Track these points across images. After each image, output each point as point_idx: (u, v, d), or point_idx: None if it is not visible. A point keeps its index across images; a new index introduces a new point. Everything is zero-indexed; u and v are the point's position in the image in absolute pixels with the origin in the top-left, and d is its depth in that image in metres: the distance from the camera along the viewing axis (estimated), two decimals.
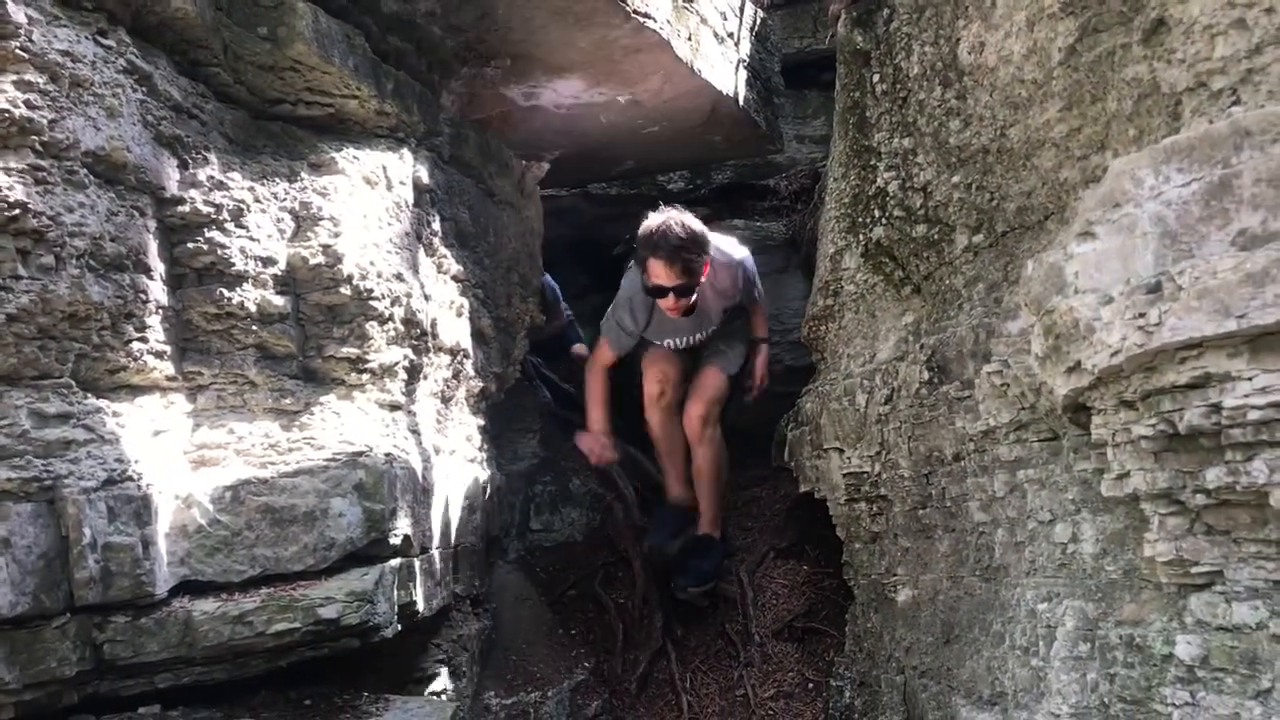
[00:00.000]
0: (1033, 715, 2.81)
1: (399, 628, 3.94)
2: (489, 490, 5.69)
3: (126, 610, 3.27)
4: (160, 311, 3.54)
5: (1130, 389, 2.35)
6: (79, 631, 3.18)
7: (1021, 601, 3.08)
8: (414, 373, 4.50)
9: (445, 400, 5.05)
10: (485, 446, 5.74)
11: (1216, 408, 2.13)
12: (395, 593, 3.90)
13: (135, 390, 3.50)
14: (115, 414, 3.34)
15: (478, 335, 5.37)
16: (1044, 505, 3.05)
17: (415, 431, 4.43)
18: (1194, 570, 2.29)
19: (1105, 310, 2.35)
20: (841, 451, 4.84)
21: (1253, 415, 2.06)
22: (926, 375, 3.96)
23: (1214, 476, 2.18)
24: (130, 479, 3.30)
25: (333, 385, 4.04)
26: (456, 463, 5.12)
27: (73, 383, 3.23)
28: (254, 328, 3.79)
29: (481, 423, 5.68)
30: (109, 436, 3.28)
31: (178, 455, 3.58)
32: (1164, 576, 2.39)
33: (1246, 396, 2.07)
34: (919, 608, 4.00)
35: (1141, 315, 2.23)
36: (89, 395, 3.29)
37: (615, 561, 6.55)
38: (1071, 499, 2.91)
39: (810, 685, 5.35)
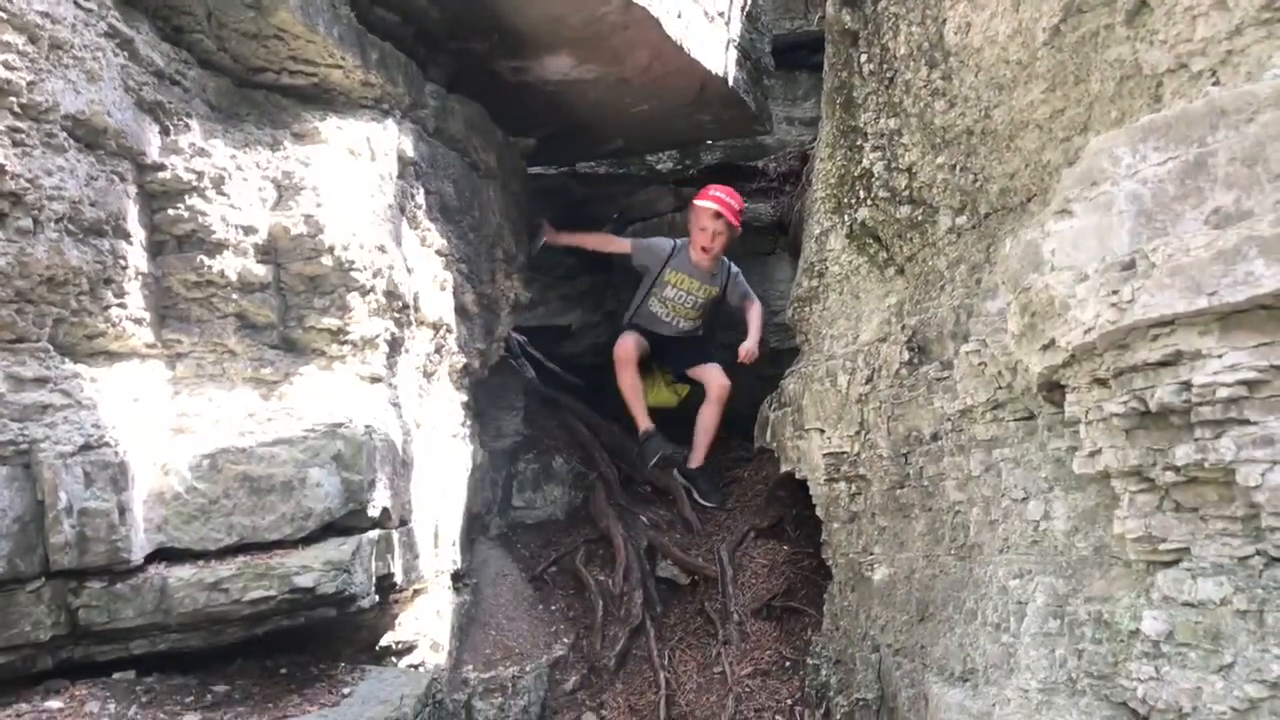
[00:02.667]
0: (1002, 690, 2.83)
1: (376, 599, 3.94)
2: (471, 466, 5.69)
3: (102, 576, 3.27)
4: (140, 278, 3.53)
5: (1103, 366, 2.36)
6: (54, 596, 3.18)
7: (994, 579, 3.10)
8: (395, 346, 4.50)
9: (427, 375, 5.05)
10: (468, 422, 5.74)
11: (1187, 385, 2.14)
12: (373, 564, 3.91)
13: (113, 356, 3.49)
14: (93, 379, 3.34)
15: (461, 310, 5.37)
16: (1018, 483, 3.06)
17: (396, 405, 4.42)
18: (1162, 547, 2.31)
19: (1080, 288, 2.36)
20: (822, 432, 4.85)
21: (1222, 393, 2.08)
22: (907, 356, 3.97)
23: (1183, 454, 2.19)
24: (107, 445, 3.29)
25: (313, 356, 4.04)
26: (438, 437, 5.12)
27: (50, 347, 3.22)
28: (234, 296, 3.78)
29: (464, 399, 5.68)
30: (86, 402, 3.28)
31: (156, 422, 3.57)
32: (1133, 553, 2.41)
33: (1216, 374, 2.08)
34: (895, 586, 4.03)
35: (1115, 292, 2.24)
36: (67, 360, 3.28)
37: (597, 539, 6.57)
38: (1045, 477, 2.93)
39: (787, 663, 5.38)
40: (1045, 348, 2.55)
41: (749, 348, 6.54)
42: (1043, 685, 2.65)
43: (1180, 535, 2.27)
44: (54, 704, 3.15)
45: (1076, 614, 2.61)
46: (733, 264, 6.92)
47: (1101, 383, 2.41)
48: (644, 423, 6.84)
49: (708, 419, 6.73)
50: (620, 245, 6.97)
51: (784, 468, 5.55)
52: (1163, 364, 2.20)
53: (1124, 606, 2.43)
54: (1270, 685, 2.03)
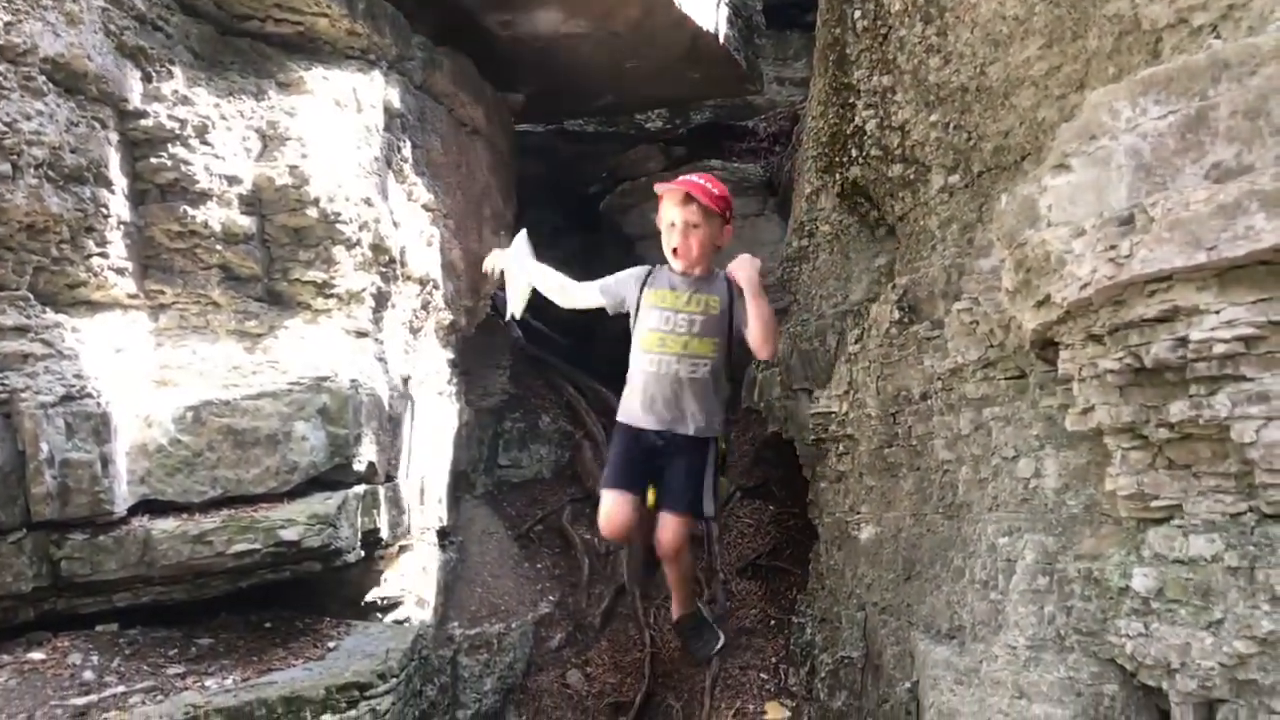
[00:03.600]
0: (990, 648, 2.83)
1: (362, 553, 3.93)
2: (457, 424, 5.67)
3: (85, 527, 3.24)
4: (122, 227, 3.47)
5: (1098, 323, 2.34)
6: (36, 547, 3.15)
7: (982, 536, 3.09)
8: (382, 300, 4.45)
9: (414, 331, 5.00)
10: (454, 380, 5.70)
11: (1183, 341, 2.12)
12: (359, 518, 3.89)
13: (95, 306, 3.44)
14: (74, 329, 3.29)
15: (448, 267, 5.32)
16: (1008, 442, 3.05)
17: (382, 360, 4.39)
18: (1154, 504, 2.29)
19: (1077, 243, 2.33)
20: (810, 392, 4.84)
21: (1218, 349, 2.06)
22: (897, 315, 3.95)
23: (1178, 410, 2.17)
24: (89, 395, 3.25)
25: (298, 309, 3.99)
26: (424, 394, 5.09)
27: (30, 296, 3.17)
28: (218, 247, 3.73)
29: (451, 356, 5.64)
30: (68, 352, 3.23)
31: (138, 374, 3.53)
32: (1124, 511, 2.40)
33: (1213, 330, 2.06)
34: (881, 545, 4.02)
35: (1113, 247, 2.21)
36: (48, 309, 3.24)
37: (582, 498, 6.57)
38: (1036, 435, 2.92)
39: (772, 622, 5.39)
40: (1040, 304, 2.53)
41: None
42: (1031, 642, 2.65)
43: (1172, 492, 2.26)
44: (36, 655, 3.13)
45: (1066, 571, 2.61)
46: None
47: (1096, 339, 2.39)
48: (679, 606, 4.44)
49: (670, 575, 4.31)
50: (586, 295, 4.17)
51: (771, 428, 5.54)
52: (1159, 320, 2.18)
53: (1114, 564, 2.43)
54: (1260, 641, 2.03)
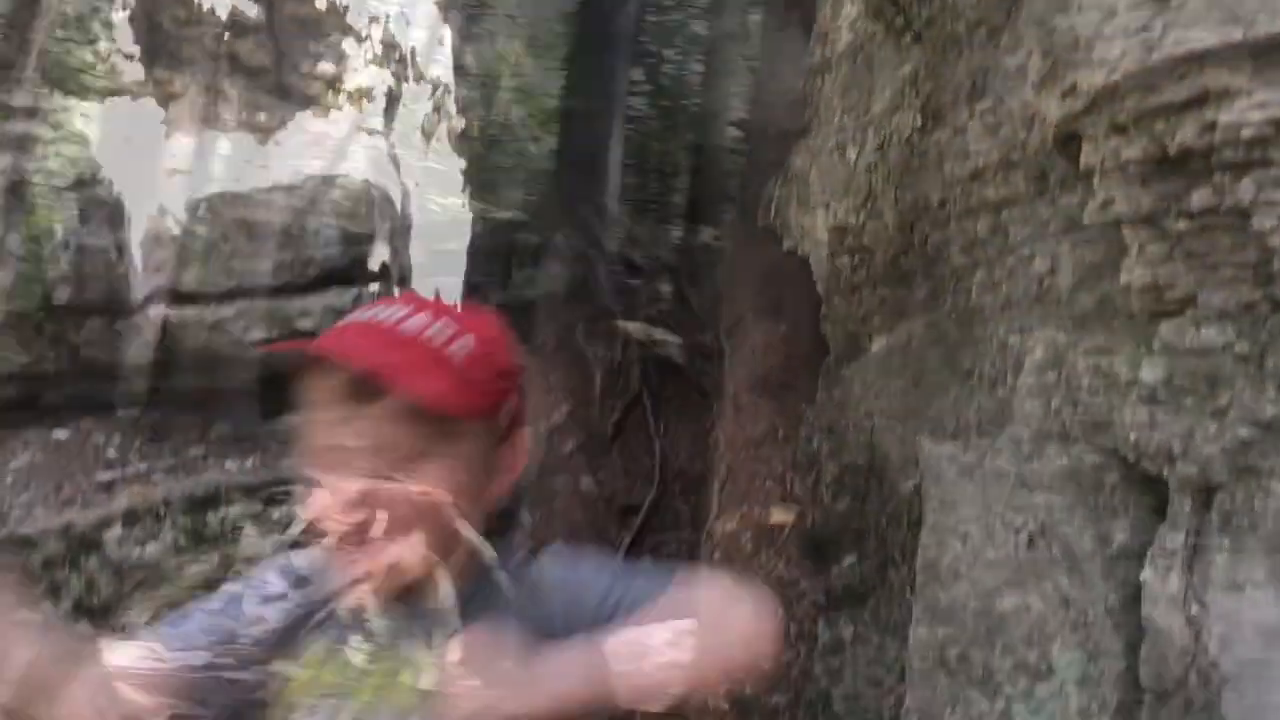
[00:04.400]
0: (995, 442, 2.87)
1: None
2: (470, 234, 5.65)
3: (102, 313, 3.29)
4: (128, 9, 3.40)
5: (1124, 111, 2.28)
6: (55, 331, 3.19)
7: (993, 336, 3.10)
8: (393, 100, 4.39)
9: (426, 135, 4.94)
10: (467, 188, 5.66)
11: (1211, 126, 2.07)
12: None
13: (104, 93, 3.40)
14: (84, 115, 3.26)
15: (460, 70, 5.20)
16: (1025, 241, 3.02)
17: (394, 161, 4.35)
18: (1168, 295, 2.28)
19: (1107, 26, 2.25)
20: (828, 206, 4.79)
21: (1247, 133, 2.00)
22: (920, 121, 3.87)
23: (1199, 198, 2.13)
24: (101, 183, 3.25)
25: (309, 103, 3.94)
26: (438, 201, 5.05)
27: (39, 77, 3.13)
28: (226, 37, 3.65)
29: (463, 164, 5.58)
30: (78, 138, 3.21)
31: (150, 163, 3.51)
32: (1138, 304, 2.39)
33: (1244, 112, 2.00)
34: (891, 354, 4.05)
35: (1144, 29, 2.13)
36: (56, 93, 3.19)
37: (596, 315, 6.59)
38: (1053, 233, 2.88)
39: (780, 433, 5.47)
40: (1066, 94, 2.46)
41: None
42: (1035, 434, 2.68)
43: (1188, 284, 2.24)
44: (61, 434, 3.21)
45: (1075, 365, 2.62)
46: (543, 564, 1.19)
47: (1120, 129, 2.33)
48: None
49: None
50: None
51: (786, 245, 5.51)
52: (1187, 105, 2.12)
53: (1124, 357, 2.43)
54: (1263, 427, 2.04)
